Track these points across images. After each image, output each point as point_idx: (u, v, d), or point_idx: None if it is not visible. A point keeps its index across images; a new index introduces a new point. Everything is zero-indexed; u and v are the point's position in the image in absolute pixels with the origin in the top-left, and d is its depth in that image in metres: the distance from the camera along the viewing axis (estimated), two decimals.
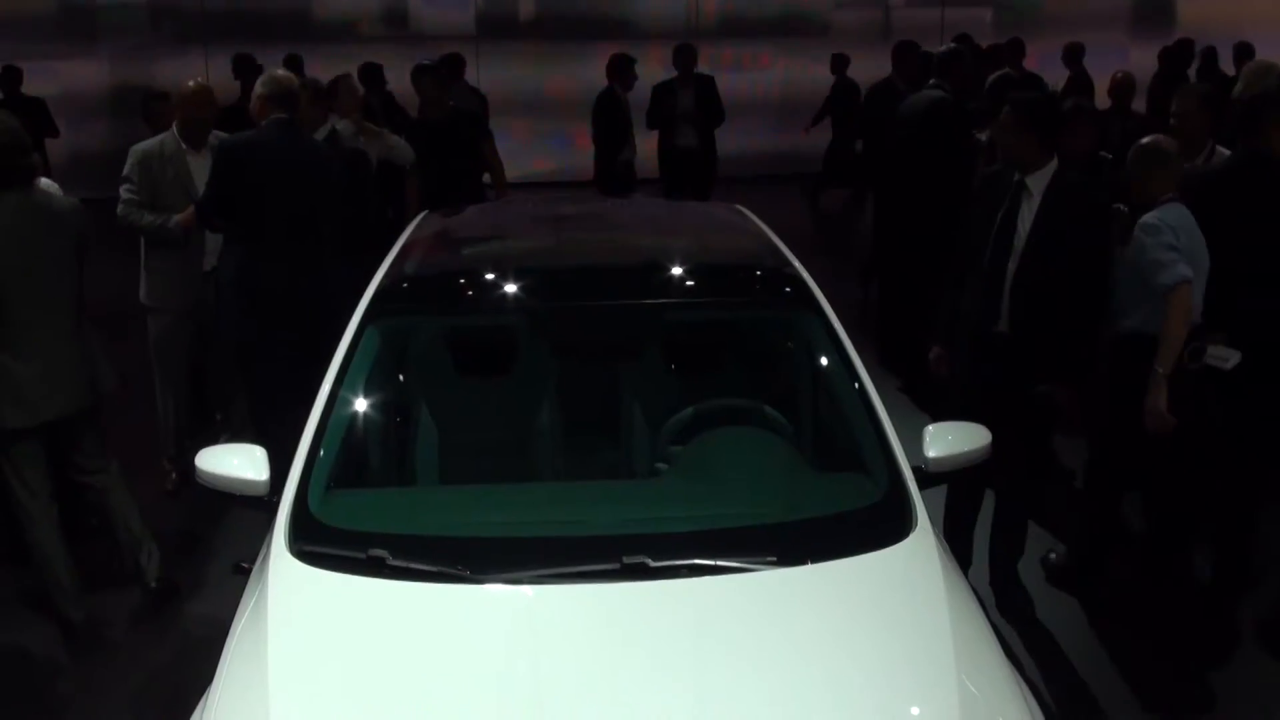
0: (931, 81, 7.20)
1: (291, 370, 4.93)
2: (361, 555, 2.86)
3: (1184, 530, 4.82)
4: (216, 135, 5.71)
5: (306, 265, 5.24)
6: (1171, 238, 4.28)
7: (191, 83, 5.81)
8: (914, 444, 3.33)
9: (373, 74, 10.24)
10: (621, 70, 9.56)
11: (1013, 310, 4.44)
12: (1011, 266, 4.43)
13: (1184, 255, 4.28)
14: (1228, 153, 5.08)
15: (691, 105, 9.78)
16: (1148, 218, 4.37)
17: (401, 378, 3.95)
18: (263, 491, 3.17)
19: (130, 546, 4.88)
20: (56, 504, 4.67)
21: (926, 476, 3.27)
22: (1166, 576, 4.89)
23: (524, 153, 13.48)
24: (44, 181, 4.83)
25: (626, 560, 2.81)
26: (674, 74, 9.95)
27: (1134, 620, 4.80)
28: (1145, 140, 4.58)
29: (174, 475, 5.94)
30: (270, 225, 5.19)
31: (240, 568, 3.33)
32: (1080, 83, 10.55)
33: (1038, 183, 4.43)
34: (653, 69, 10.98)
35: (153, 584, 4.93)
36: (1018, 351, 4.43)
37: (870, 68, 11.45)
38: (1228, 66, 11.51)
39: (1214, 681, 4.45)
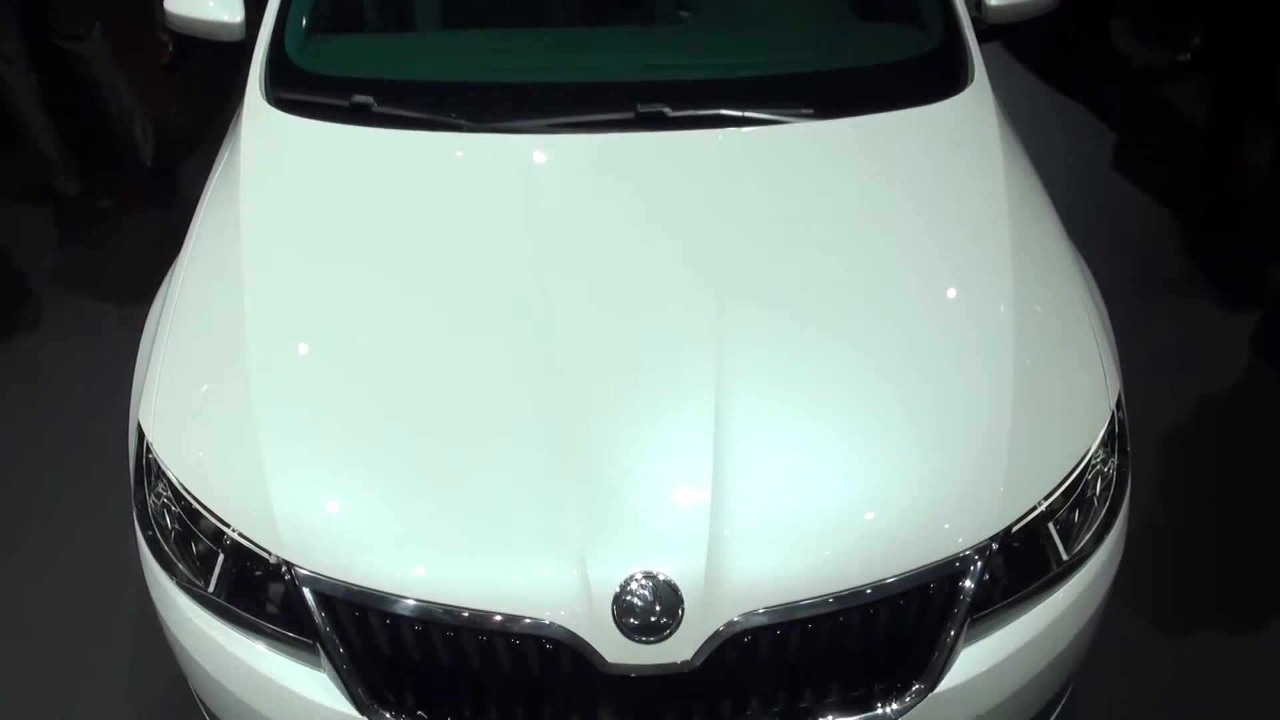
0: None
1: None
2: (344, 102, 2.54)
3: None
4: None
5: None
6: None
7: None
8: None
9: None
10: None
11: None
12: None
13: None
14: None
15: None
16: None
17: None
18: (238, 35, 2.85)
19: (122, 120, 4.65)
20: (35, 73, 4.38)
21: (985, 29, 2.88)
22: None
23: None
24: None
25: (641, 109, 2.48)
26: None
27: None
28: None
29: (170, 48, 5.58)
30: None
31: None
32: None
33: None
34: None
35: (148, 162, 4.73)
36: None
37: None
38: None
39: None
